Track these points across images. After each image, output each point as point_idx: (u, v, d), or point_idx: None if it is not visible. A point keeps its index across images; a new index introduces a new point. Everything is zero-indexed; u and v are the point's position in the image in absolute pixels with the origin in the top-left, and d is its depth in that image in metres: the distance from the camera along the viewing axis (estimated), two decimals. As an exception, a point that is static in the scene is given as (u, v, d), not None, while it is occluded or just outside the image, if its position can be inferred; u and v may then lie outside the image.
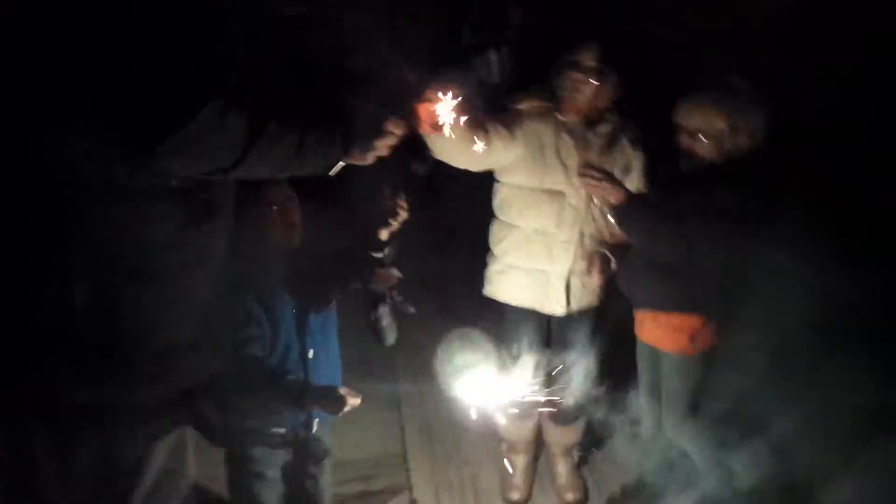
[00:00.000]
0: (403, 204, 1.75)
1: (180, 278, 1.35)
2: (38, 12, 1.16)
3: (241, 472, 1.86)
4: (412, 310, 1.81)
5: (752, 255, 2.12)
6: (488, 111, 2.15)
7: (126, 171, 1.22)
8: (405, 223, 1.77)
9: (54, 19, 1.15)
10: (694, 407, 2.23)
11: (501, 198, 2.25)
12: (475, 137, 1.97)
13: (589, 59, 2.05)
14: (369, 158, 1.50)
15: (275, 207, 1.74)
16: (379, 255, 1.77)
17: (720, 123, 1.99)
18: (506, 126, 2.09)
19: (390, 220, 1.76)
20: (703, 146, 2.02)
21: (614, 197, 2.05)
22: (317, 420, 1.87)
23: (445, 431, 2.85)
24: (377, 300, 1.79)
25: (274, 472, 1.88)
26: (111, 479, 1.40)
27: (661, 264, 2.11)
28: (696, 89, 2.07)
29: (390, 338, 1.83)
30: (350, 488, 2.51)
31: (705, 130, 2.00)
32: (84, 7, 1.15)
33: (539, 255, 2.21)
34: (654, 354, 2.27)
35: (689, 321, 2.13)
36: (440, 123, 1.73)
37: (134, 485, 1.42)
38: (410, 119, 1.64)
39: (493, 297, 2.34)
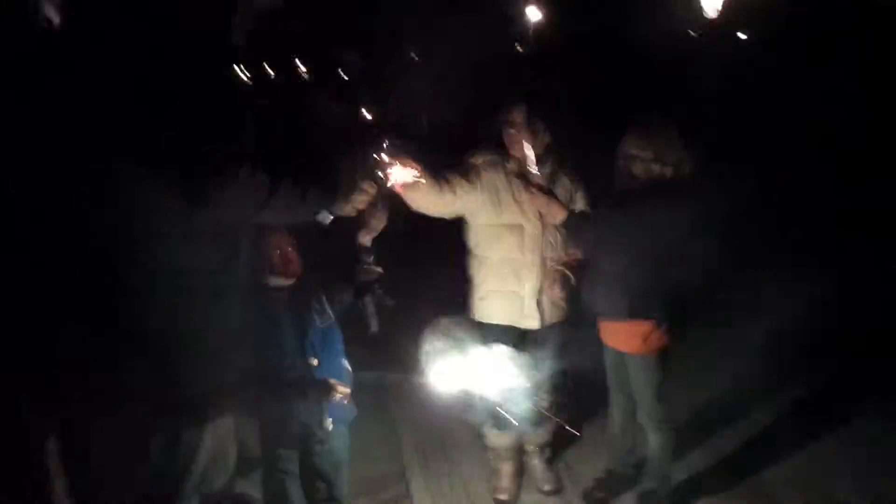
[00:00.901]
0: (382, 215, 2.21)
1: (217, 298, 1.76)
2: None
3: (273, 470, 2.20)
4: (391, 302, 2.23)
5: (681, 262, 2.51)
6: (452, 167, 2.63)
7: (187, 219, 1.67)
8: (383, 230, 2.23)
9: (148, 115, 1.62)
10: (660, 398, 2.61)
11: (473, 236, 2.71)
12: (441, 190, 2.48)
13: (517, 116, 2.54)
14: (351, 211, 2.06)
15: (278, 252, 2.15)
16: (364, 256, 2.23)
17: (647, 152, 2.46)
18: (466, 179, 2.58)
19: (371, 229, 2.22)
20: (635, 169, 2.48)
21: (557, 212, 2.49)
22: (330, 420, 2.22)
23: (438, 447, 3.21)
24: (363, 292, 2.20)
25: (296, 468, 2.22)
26: (174, 458, 1.75)
27: (611, 278, 2.53)
28: (634, 129, 2.54)
29: (374, 325, 2.23)
30: (357, 500, 2.81)
31: (636, 157, 2.47)
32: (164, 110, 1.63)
33: (510, 279, 2.63)
34: (618, 357, 2.67)
35: (641, 326, 2.53)
36: (404, 183, 2.26)
37: (191, 462, 1.77)
38: (385, 182, 2.20)
39: (480, 320, 2.73)
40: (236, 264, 1.81)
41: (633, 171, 2.49)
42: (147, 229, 1.65)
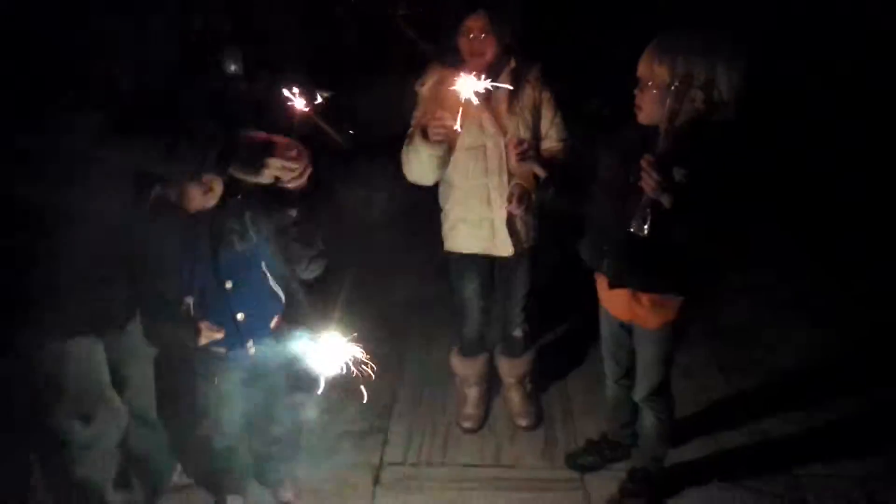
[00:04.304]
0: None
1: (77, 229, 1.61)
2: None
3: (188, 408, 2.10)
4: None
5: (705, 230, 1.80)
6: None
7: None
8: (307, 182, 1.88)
9: None
10: (665, 377, 2.13)
11: None
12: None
13: (475, 23, 2.13)
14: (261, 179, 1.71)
15: (203, 181, 1.87)
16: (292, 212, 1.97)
17: (664, 73, 1.73)
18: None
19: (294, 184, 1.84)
20: (650, 100, 1.78)
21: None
22: (251, 342, 2.07)
23: (437, 386, 2.96)
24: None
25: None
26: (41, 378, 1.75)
27: (626, 242, 1.85)
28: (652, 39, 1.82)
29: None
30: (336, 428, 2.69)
31: (650, 82, 1.77)
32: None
33: (479, 205, 2.33)
34: (620, 325, 2.17)
35: (661, 299, 1.99)
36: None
37: (59, 387, 1.77)
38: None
39: (451, 251, 2.47)
40: (106, 194, 1.64)
41: (645, 103, 1.80)
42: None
